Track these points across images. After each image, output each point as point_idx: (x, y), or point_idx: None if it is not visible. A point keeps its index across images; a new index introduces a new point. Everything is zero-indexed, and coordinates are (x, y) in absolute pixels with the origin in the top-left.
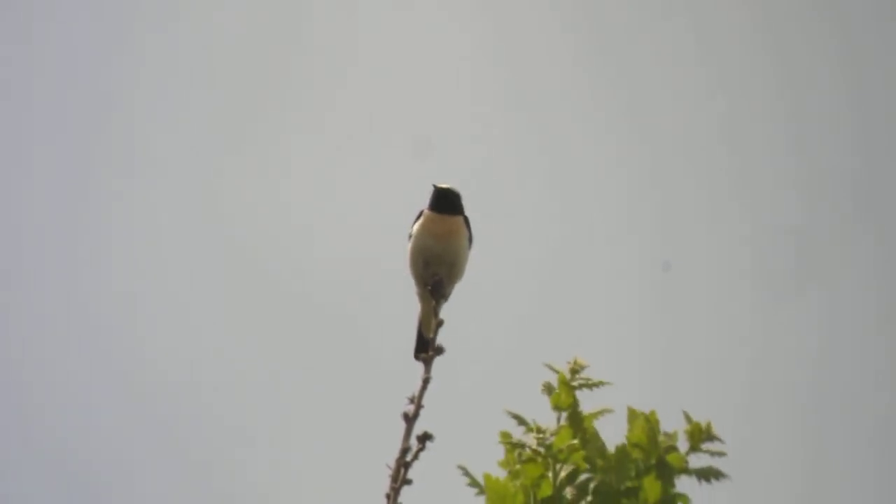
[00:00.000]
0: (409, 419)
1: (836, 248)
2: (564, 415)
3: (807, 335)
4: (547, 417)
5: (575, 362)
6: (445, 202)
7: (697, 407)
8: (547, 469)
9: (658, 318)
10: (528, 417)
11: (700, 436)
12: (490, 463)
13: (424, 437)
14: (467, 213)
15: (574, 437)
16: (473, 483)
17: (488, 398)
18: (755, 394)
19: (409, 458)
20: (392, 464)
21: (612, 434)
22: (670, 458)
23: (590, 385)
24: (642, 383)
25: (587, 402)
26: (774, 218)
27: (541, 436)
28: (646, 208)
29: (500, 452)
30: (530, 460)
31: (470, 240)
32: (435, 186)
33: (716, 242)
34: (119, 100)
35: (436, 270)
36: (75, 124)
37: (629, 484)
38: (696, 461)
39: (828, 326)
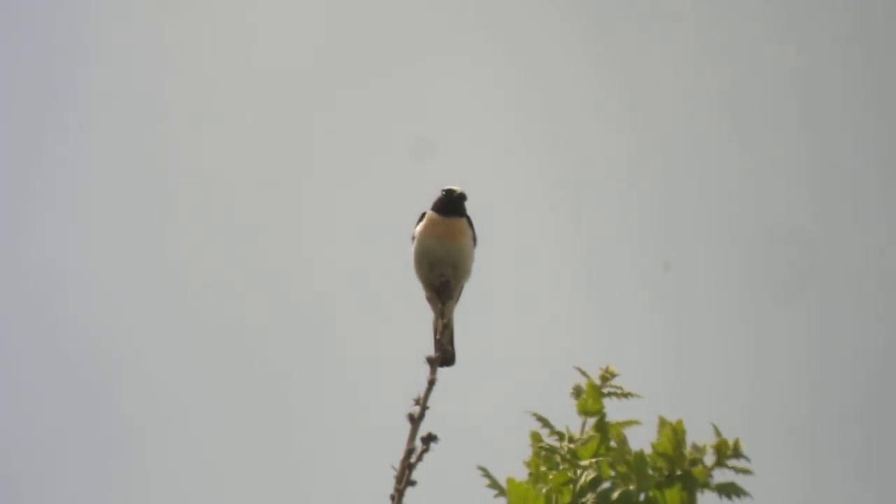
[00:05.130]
0: (415, 420)
1: (839, 249)
2: (590, 420)
3: (806, 337)
4: (555, 419)
5: (606, 370)
6: (450, 205)
7: (696, 407)
8: (573, 476)
9: (657, 317)
10: (551, 421)
11: (727, 451)
12: (495, 464)
13: (429, 439)
14: (469, 213)
15: (601, 445)
16: (494, 485)
17: (493, 400)
18: (754, 394)
19: (413, 459)
20: (397, 465)
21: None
22: (695, 471)
23: (620, 395)
24: (642, 384)
25: (609, 410)
26: (776, 218)
27: (571, 446)
28: (646, 208)
29: (505, 453)
30: (557, 466)
31: (474, 239)
32: (446, 190)
33: (716, 242)
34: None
35: (441, 272)
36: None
37: (650, 493)
38: (720, 476)
39: (827, 328)
